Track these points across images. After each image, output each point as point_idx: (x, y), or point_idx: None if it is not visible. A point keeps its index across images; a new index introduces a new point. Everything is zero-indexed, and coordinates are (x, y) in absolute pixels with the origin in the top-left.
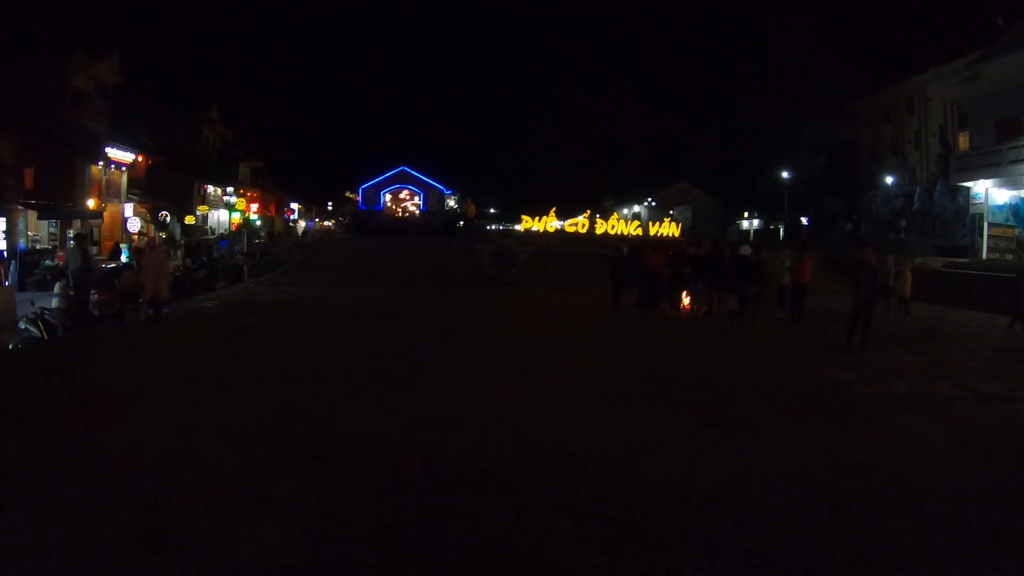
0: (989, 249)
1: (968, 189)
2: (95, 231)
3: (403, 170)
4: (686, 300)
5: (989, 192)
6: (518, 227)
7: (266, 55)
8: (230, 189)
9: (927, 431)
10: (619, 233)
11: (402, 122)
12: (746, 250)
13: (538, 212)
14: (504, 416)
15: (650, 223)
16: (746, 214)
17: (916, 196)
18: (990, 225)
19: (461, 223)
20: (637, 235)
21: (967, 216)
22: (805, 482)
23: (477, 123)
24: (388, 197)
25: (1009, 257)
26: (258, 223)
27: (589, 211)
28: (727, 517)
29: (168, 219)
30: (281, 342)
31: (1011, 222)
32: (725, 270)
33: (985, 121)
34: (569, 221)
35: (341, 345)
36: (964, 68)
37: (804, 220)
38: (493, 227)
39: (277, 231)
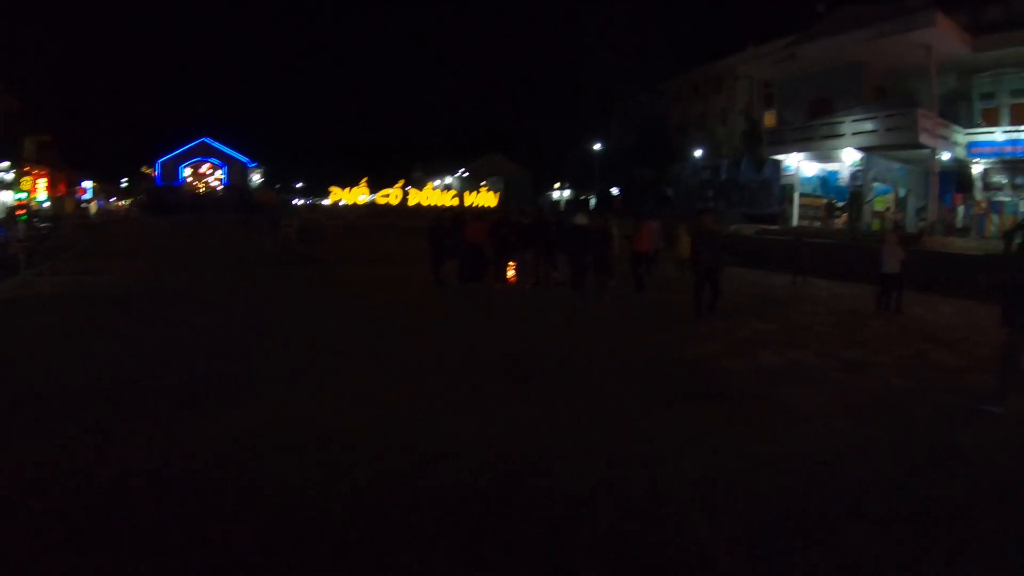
0: (800, 217)
1: (778, 162)
2: None
3: (204, 141)
4: (512, 272)
5: (800, 165)
6: (326, 202)
7: (52, 16)
8: (4, 165)
9: (817, 408)
10: (434, 204)
11: (203, 88)
12: (582, 219)
13: (348, 184)
14: (328, 435)
15: (465, 193)
16: (556, 184)
17: (723, 168)
18: (800, 195)
19: (261, 208)
20: (454, 205)
21: (775, 186)
22: (720, 491)
23: (284, 91)
24: (188, 171)
25: (817, 224)
26: (46, 204)
27: (402, 181)
28: (643, 562)
29: None
30: (51, 350)
31: (819, 192)
32: (553, 240)
33: (798, 99)
34: (381, 192)
35: (126, 348)
36: (781, 49)
37: (615, 190)
38: (301, 201)
39: (69, 212)
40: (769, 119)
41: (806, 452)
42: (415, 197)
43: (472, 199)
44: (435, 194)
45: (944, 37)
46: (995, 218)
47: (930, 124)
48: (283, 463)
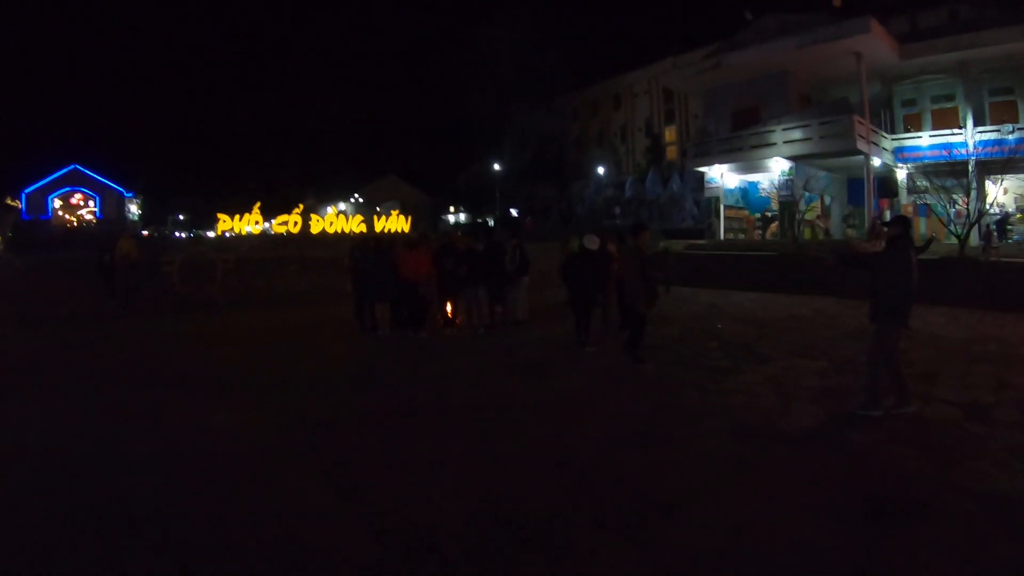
0: (725, 230)
1: (690, 175)
2: None
3: (75, 169)
4: (453, 312)
5: (724, 177)
6: (211, 233)
7: None
8: None
9: None
10: (340, 231)
11: (73, 109)
12: (593, 242)
13: (238, 211)
14: None
15: (375, 217)
16: (452, 208)
17: (628, 184)
18: (726, 207)
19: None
20: (376, 232)
21: (686, 200)
22: None
23: (162, 111)
24: (58, 203)
25: (741, 236)
26: None
27: (301, 206)
28: None
29: None
30: None
31: (741, 204)
32: (508, 270)
33: (722, 109)
34: (278, 219)
35: None
36: (703, 59)
37: (514, 211)
38: (182, 235)
39: None
40: (670, 134)
41: None
42: (318, 224)
43: (382, 224)
44: (340, 220)
45: (875, 44)
46: (923, 221)
47: (864, 131)
48: None
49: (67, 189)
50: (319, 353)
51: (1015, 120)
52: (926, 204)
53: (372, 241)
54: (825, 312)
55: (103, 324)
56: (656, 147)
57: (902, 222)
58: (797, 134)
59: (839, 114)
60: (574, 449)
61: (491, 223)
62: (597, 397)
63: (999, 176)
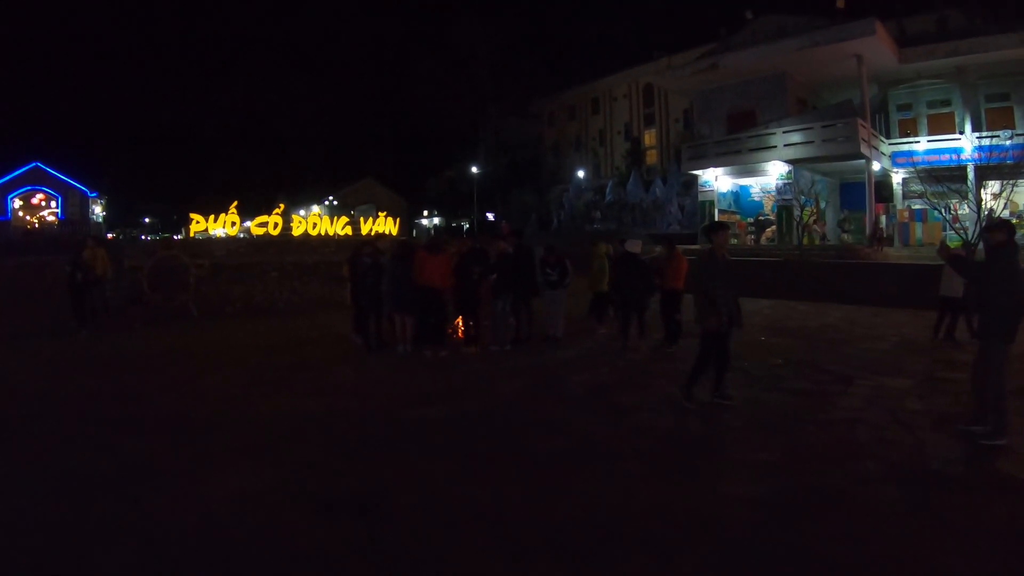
0: None
1: (674, 179)
2: None
3: (36, 167)
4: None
5: (718, 180)
6: (178, 236)
7: None
8: None
9: None
10: (324, 233)
11: (35, 105)
12: (635, 246)
13: (211, 212)
14: None
15: (362, 220)
16: (425, 213)
17: (609, 188)
18: (720, 212)
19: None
20: (347, 235)
21: (671, 205)
22: None
23: (130, 106)
24: (18, 203)
25: (734, 241)
26: None
27: (283, 206)
28: None
29: None
30: None
31: (733, 208)
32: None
33: (717, 112)
34: (256, 221)
35: None
36: (698, 60)
37: (490, 216)
38: (148, 238)
39: None
40: (650, 138)
41: None
42: (300, 226)
43: (369, 226)
44: (325, 222)
45: (878, 48)
46: (919, 225)
47: (867, 134)
48: None
49: (28, 188)
50: (324, 380)
51: (1012, 126)
52: (922, 209)
53: (399, 246)
54: (857, 321)
55: (63, 343)
56: (636, 151)
57: (1007, 228)
58: (799, 137)
59: (843, 117)
60: (735, 523)
61: (465, 227)
62: (707, 440)
63: (1008, 182)
